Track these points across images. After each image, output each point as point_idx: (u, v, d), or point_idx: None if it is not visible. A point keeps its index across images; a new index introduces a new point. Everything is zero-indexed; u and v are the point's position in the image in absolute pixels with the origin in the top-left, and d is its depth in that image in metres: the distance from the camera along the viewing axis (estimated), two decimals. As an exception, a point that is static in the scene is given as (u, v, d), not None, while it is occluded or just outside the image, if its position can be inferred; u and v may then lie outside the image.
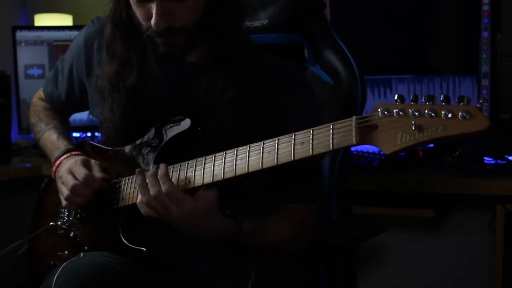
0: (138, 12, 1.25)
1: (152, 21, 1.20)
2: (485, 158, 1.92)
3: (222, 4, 1.25)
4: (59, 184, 1.36)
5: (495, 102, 1.99)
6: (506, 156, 1.92)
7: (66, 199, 1.34)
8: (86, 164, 1.35)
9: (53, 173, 1.43)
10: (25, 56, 2.57)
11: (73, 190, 1.32)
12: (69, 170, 1.34)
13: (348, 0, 2.22)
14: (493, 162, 1.93)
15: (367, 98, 1.60)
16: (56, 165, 1.42)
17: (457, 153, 1.88)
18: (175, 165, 1.22)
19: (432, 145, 2.08)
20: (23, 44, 2.57)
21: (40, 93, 1.62)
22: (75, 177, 1.32)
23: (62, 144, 1.47)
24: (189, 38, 1.26)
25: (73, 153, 1.42)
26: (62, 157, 1.41)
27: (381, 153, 2.03)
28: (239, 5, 1.30)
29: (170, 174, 1.20)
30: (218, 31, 1.26)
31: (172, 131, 1.28)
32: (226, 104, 1.24)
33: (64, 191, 1.34)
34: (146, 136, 1.31)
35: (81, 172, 1.32)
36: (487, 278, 2.05)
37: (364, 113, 1.59)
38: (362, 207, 1.87)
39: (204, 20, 1.25)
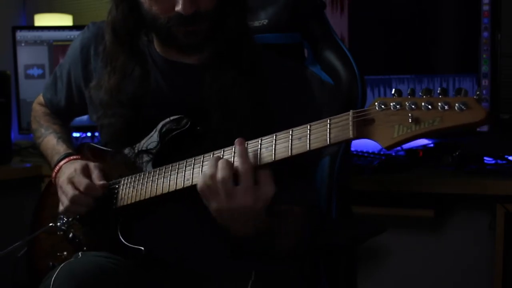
0: (156, 6, 1.23)
1: (179, 7, 1.19)
2: (485, 158, 1.93)
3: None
4: (59, 193, 1.35)
5: (495, 102, 1.99)
6: (506, 156, 1.92)
7: (66, 209, 1.33)
8: (86, 172, 1.33)
9: (53, 178, 1.41)
10: (25, 56, 2.57)
11: (73, 200, 1.30)
12: (69, 179, 1.32)
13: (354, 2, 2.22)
14: (493, 162, 1.93)
15: (367, 98, 1.59)
16: (55, 170, 1.41)
17: (457, 153, 1.88)
18: (174, 164, 1.21)
19: (432, 144, 2.08)
20: (23, 44, 2.57)
21: (40, 99, 1.61)
22: (75, 187, 1.30)
23: (62, 149, 1.45)
24: (211, 25, 1.24)
25: (72, 157, 1.41)
26: (61, 162, 1.40)
27: (381, 153, 2.05)
28: (247, 3, 1.30)
29: (169, 173, 1.20)
30: (228, 26, 1.25)
31: (171, 133, 1.28)
32: (230, 103, 1.24)
33: (65, 201, 1.33)
34: (145, 143, 1.30)
35: (81, 182, 1.30)
36: (487, 278, 2.05)
37: (363, 112, 1.59)
38: (362, 207, 1.87)
39: (219, 10, 1.24)
